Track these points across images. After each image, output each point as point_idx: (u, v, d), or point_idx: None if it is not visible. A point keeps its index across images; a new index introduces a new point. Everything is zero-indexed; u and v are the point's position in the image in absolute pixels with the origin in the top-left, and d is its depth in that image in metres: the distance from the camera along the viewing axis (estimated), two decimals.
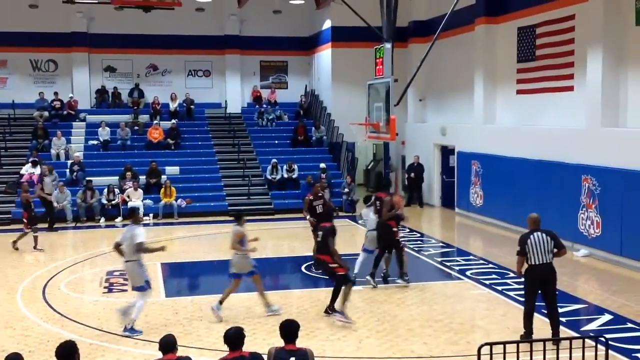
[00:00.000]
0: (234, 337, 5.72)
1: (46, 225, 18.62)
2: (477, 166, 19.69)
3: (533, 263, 8.98)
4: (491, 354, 6.22)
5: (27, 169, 21.44)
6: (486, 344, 6.31)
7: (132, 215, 10.54)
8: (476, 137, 19.99)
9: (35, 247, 16.10)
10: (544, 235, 9.00)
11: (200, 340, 9.41)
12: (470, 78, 20.40)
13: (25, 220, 16.15)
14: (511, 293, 11.77)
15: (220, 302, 10.49)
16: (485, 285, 12.48)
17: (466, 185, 20.35)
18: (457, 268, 13.94)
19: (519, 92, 18.55)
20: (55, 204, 19.80)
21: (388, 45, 14.64)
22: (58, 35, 26.04)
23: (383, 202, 12.51)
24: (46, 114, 24.58)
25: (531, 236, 9.01)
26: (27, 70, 26.50)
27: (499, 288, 12.18)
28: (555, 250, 9.03)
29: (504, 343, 6.26)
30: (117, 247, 10.19)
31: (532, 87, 17.94)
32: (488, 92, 19.66)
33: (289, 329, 5.84)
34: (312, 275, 13.43)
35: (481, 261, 14.64)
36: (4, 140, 23.34)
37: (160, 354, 5.92)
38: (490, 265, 14.11)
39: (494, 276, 13.13)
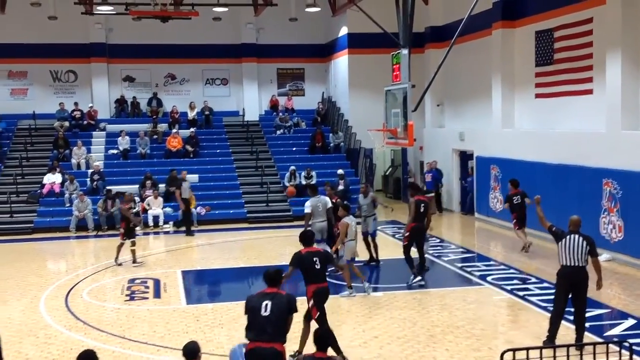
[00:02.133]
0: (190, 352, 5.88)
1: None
2: (497, 171, 19.60)
3: (564, 264, 8.94)
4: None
5: (48, 179, 21.68)
6: (509, 350, 6.27)
7: None
8: (495, 142, 19.90)
9: (134, 261, 15.35)
10: (580, 238, 8.93)
11: (221, 348, 9.44)
12: (488, 82, 20.33)
13: (122, 231, 15.54)
14: (533, 299, 11.68)
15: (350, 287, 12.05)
16: (506, 290, 12.40)
17: (486, 190, 20.25)
18: (478, 274, 13.86)
19: (537, 95, 18.45)
20: (76, 213, 19.99)
21: (405, 51, 14.62)
22: (77, 46, 26.36)
23: (428, 205, 13.22)
24: (66, 124, 24.86)
25: (568, 237, 8.96)
26: (48, 81, 26.83)
27: (521, 294, 12.10)
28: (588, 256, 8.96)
29: (527, 349, 6.22)
30: None
31: (551, 90, 17.83)
32: (506, 97, 19.58)
33: (322, 338, 5.88)
34: (333, 281, 13.40)
35: (502, 266, 14.55)
36: (25, 150, 23.61)
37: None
38: (512, 271, 14.02)
39: (515, 282, 13.04)
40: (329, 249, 12.71)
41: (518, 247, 16.07)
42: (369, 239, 14.68)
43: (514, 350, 6.20)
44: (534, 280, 13.13)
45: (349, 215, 12.34)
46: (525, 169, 17.89)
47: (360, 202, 14.81)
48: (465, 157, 22.42)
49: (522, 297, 11.87)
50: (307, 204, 13.91)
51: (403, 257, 13.00)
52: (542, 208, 9.67)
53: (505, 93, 19.59)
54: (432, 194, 20.79)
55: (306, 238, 9.12)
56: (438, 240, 17.73)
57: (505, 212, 17.15)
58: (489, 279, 13.32)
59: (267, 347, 6.51)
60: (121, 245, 15.39)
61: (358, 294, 12.22)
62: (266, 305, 6.63)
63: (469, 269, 14.41)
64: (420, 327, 10.29)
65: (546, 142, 17.41)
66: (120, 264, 15.27)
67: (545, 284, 12.54)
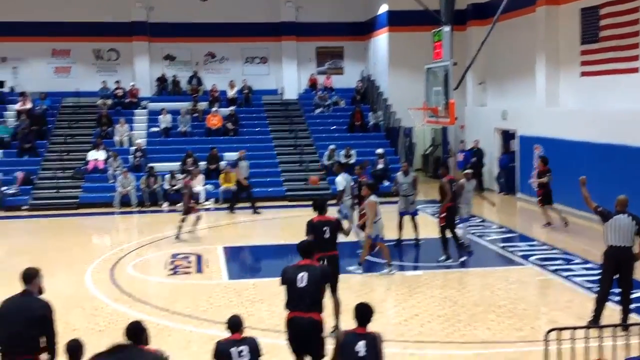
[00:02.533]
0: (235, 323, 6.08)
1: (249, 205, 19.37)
2: (540, 150, 19.28)
3: (611, 244, 8.81)
4: (559, 340, 6.11)
5: (92, 155, 22.06)
6: (554, 329, 6.20)
7: None
8: (539, 121, 19.56)
9: (177, 237, 15.49)
10: (629, 218, 8.81)
11: (262, 322, 9.54)
12: (531, 61, 19.94)
13: (189, 206, 15.72)
14: (577, 279, 11.53)
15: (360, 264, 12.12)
16: (550, 271, 12.26)
17: (528, 170, 19.95)
18: (520, 253, 13.72)
19: (583, 74, 18.05)
20: (120, 189, 20.33)
21: (447, 29, 14.37)
22: (119, 25, 26.60)
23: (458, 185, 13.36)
24: (109, 101, 25.21)
25: (615, 217, 8.82)
26: (90, 60, 27.19)
27: (564, 274, 11.95)
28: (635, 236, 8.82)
29: (573, 328, 6.14)
30: None
31: (597, 69, 17.42)
32: (551, 75, 19.19)
33: (362, 313, 5.90)
34: (374, 260, 13.41)
35: (545, 246, 14.38)
36: (69, 128, 24.03)
37: (227, 334, 6.05)
38: (555, 251, 13.85)
39: (558, 262, 12.89)
40: (361, 233, 12.75)
41: (562, 227, 15.86)
42: (409, 218, 14.54)
43: (559, 329, 6.13)
44: (578, 260, 12.95)
45: (373, 194, 12.09)
46: (570, 148, 17.58)
47: (399, 179, 14.70)
48: (507, 136, 22.11)
49: (566, 278, 11.73)
50: (340, 180, 13.94)
51: (432, 237, 13.09)
52: (587, 189, 9.50)
53: (549, 71, 19.21)
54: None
55: (319, 206, 9.36)
56: (479, 220, 17.57)
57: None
58: (531, 258, 13.18)
59: (306, 316, 6.76)
60: (183, 220, 15.58)
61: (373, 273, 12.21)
62: (302, 277, 6.84)
63: (511, 249, 14.27)
64: (461, 306, 10.24)
65: (592, 121, 17.05)
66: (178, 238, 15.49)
67: (590, 265, 12.36)
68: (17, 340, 6.00)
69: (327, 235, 8.99)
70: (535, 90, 19.86)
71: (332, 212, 10.53)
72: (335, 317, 8.78)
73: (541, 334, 8.43)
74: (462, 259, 12.99)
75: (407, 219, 14.48)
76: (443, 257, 12.93)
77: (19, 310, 6.09)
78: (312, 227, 9.00)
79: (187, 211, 15.70)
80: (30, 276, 6.28)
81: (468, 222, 14.07)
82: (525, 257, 13.39)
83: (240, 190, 20.01)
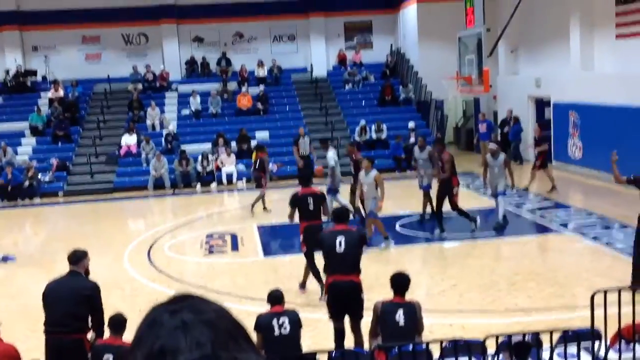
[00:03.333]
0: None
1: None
2: (575, 117, 18.89)
3: None
4: (605, 302, 5.97)
5: (125, 140, 22.26)
6: (600, 290, 6.06)
7: None
8: (573, 87, 19.11)
9: (252, 206, 15.89)
10: None
11: (299, 297, 9.53)
12: (564, 25, 19.44)
13: (263, 182, 16.03)
14: (618, 245, 11.30)
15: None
16: (588, 237, 12.04)
17: (564, 138, 19.58)
18: (558, 221, 13.48)
19: (618, 36, 17.55)
20: (153, 173, 20.49)
21: None
22: (147, 9, 26.67)
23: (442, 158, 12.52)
24: (140, 86, 25.36)
25: None
26: (120, 45, 27.36)
27: (604, 240, 11.72)
28: None
29: (619, 289, 5.99)
30: None
31: (633, 30, 16.92)
32: (585, 38, 18.70)
33: (400, 282, 5.86)
34: (406, 234, 13.31)
35: (583, 214, 14.11)
36: (102, 114, 24.25)
37: (266, 310, 6.06)
38: (593, 218, 13.58)
39: (597, 228, 12.64)
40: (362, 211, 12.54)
41: (600, 194, 15.54)
42: (425, 192, 14.04)
43: (605, 291, 5.99)
44: (617, 226, 12.69)
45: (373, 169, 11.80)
46: (607, 114, 17.16)
47: (415, 155, 14.37)
48: (541, 104, 21.68)
49: (606, 244, 11.50)
50: (332, 156, 13.79)
51: (469, 208, 12.83)
52: (617, 165, 9.25)
53: (584, 34, 18.71)
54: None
55: (303, 179, 9.93)
56: (515, 189, 17.30)
57: (588, 159, 16.58)
58: (569, 226, 12.95)
59: (346, 279, 6.97)
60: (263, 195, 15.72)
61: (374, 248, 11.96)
62: (340, 241, 7.06)
63: (548, 217, 14.03)
64: (499, 275, 10.12)
65: (629, 85, 16.59)
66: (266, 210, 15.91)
67: (629, 229, 12.07)
68: (66, 319, 6.11)
69: (311, 207, 9.42)
70: (569, 56, 19.38)
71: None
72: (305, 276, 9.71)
73: (583, 300, 8.29)
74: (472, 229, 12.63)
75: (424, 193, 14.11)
76: (472, 226, 12.64)
77: (67, 289, 6.21)
78: (296, 199, 9.56)
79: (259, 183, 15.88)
80: (78, 258, 6.40)
81: (505, 195, 13.13)
82: (563, 224, 13.16)
83: (305, 166, 19.51)
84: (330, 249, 7.09)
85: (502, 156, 12.80)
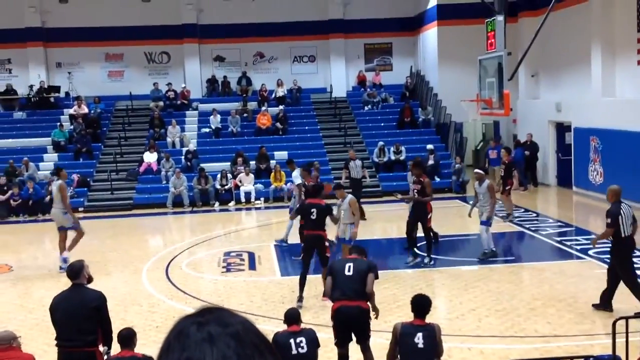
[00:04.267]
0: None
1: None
2: (597, 142, 18.77)
3: (624, 235, 8.83)
4: (627, 329, 5.89)
5: (146, 157, 22.42)
6: (621, 317, 5.98)
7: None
8: (595, 112, 19.02)
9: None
10: (628, 206, 9.03)
11: (317, 318, 9.51)
12: (586, 50, 19.41)
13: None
14: (638, 272, 11.13)
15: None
16: (609, 264, 11.86)
17: (584, 163, 19.45)
18: (578, 247, 13.35)
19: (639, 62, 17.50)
20: (172, 190, 20.59)
21: (500, 18, 14.15)
22: (170, 28, 27.00)
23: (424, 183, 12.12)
24: (161, 104, 25.59)
25: (622, 208, 8.89)
26: (142, 63, 27.68)
27: None
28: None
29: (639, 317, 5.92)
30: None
31: None
32: (607, 64, 18.64)
33: (421, 304, 5.83)
34: (424, 255, 13.23)
35: (604, 240, 13.93)
36: (123, 130, 24.48)
37: (284, 326, 6.04)
38: None
39: None
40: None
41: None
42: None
43: (627, 318, 5.91)
44: (638, 253, 12.51)
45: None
46: (629, 139, 17.05)
47: (409, 180, 13.83)
48: (562, 129, 21.58)
49: None
50: (297, 174, 13.99)
51: (475, 233, 12.71)
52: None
53: (605, 60, 18.66)
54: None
55: (311, 191, 10.73)
56: (534, 215, 17.21)
57: (608, 184, 16.37)
58: (590, 252, 12.81)
59: (353, 305, 6.88)
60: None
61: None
62: (349, 266, 7.08)
63: (568, 243, 13.90)
64: (519, 300, 10.02)
65: None
66: None
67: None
68: (76, 335, 6.11)
69: (313, 217, 9.96)
70: (590, 81, 19.32)
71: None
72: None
73: (603, 328, 8.20)
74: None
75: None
76: (425, 259, 12.28)
77: (75, 305, 6.20)
78: (301, 208, 10.28)
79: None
80: (77, 271, 6.38)
81: (488, 224, 12.52)
82: (583, 250, 13.02)
83: (355, 188, 18.05)
84: (339, 272, 7.09)
85: (486, 182, 12.52)
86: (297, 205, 13.22)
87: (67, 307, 6.21)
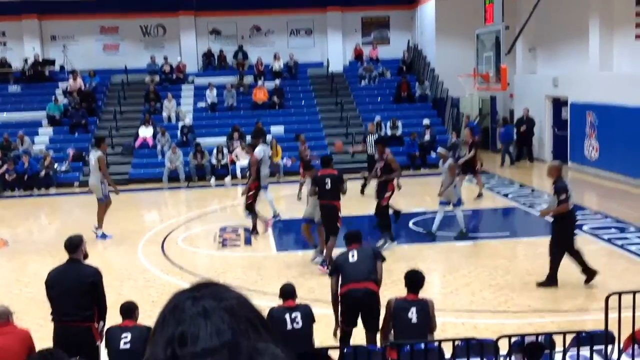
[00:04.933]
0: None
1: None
2: (593, 117, 18.74)
3: (571, 208, 9.13)
4: (620, 305, 5.93)
5: (142, 132, 22.34)
6: (614, 293, 6.01)
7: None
8: (592, 87, 18.97)
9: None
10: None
11: (312, 292, 9.54)
12: (584, 24, 19.28)
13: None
14: (632, 247, 11.22)
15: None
16: (603, 239, 11.96)
17: (580, 138, 19.44)
18: None
19: (638, 37, 17.39)
20: (168, 165, 20.55)
21: None
22: (165, 1, 26.73)
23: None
24: (157, 78, 25.44)
25: (567, 183, 9.32)
26: (138, 36, 27.45)
27: (619, 242, 11.65)
28: None
29: (634, 292, 5.94)
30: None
31: None
32: (604, 38, 18.54)
33: (414, 279, 5.85)
34: (419, 231, 13.29)
35: (598, 215, 14.01)
36: (119, 104, 24.36)
37: (279, 302, 6.07)
38: (609, 220, 13.49)
39: (612, 230, 12.57)
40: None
41: (616, 196, 15.43)
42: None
43: (620, 293, 5.94)
44: (632, 229, 12.59)
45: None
46: (625, 115, 17.02)
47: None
48: (558, 104, 21.54)
49: (621, 246, 11.42)
50: (261, 149, 13.29)
51: (482, 207, 12.65)
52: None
53: (603, 34, 18.55)
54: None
55: (324, 161, 10.72)
56: (530, 190, 17.23)
57: (604, 160, 16.46)
58: (584, 228, 12.86)
59: (361, 287, 6.59)
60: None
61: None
62: (352, 254, 6.83)
63: None
64: (513, 276, 10.08)
65: None
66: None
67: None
68: (73, 310, 6.14)
69: (328, 187, 10.08)
70: (587, 56, 19.24)
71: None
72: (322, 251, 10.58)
73: (596, 303, 8.25)
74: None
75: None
76: (388, 243, 11.79)
77: (71, 280, 6.22)
78: (316, 179, 10.33)
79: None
80: (76, 245, 6.39)
81: (446, 205, 12.34)
82: (578, 226, 13.04)
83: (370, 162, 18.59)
84: (343, 262, 6.83)
85: (448, 162, 12.34)
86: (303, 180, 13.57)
87: (63, 282, 6.23)
